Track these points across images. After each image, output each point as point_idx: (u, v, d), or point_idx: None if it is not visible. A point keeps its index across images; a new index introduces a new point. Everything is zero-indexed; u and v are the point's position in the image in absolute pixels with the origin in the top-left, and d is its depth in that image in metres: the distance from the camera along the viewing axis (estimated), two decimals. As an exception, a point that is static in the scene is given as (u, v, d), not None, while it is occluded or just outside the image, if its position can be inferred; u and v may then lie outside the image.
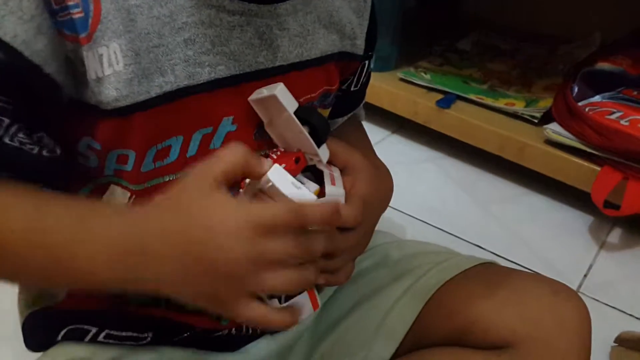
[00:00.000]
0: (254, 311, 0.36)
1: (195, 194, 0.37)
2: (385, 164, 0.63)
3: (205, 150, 0.45)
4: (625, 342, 0.77)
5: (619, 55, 1.04)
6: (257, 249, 0.35)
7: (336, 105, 0.60)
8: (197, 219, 0.36)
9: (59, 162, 0.40)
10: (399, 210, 1.01)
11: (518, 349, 0.53)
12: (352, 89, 0.60)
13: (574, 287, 0.89)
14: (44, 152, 0.39)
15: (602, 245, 0.99)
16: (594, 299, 0.88)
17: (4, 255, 0.37)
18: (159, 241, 0.36)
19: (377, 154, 0.66)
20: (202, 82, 0.42)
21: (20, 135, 0.38)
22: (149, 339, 0.49)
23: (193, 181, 0.38)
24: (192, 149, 0.44)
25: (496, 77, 1.22)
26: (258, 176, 0.39)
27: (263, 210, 0.36)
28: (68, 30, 0.38)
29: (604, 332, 0.79)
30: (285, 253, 0.35)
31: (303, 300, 0.45)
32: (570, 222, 1.03)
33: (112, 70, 0.39)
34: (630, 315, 0.86)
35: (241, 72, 0.44)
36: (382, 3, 1.20)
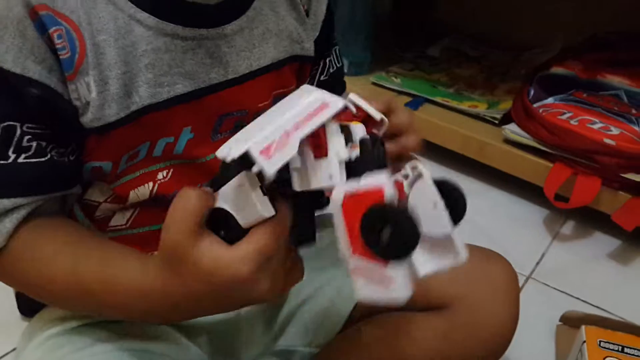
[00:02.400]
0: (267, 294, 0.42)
1: (189, 250, 0.40)
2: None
3: (169, 153, 0.51)
4: (568, 320, 0.85)
5: (571, 61, 1.12)
6: (263, 274, 0.40)
7: None
8: (209, 276, 0.40)
9: (78, 167, 0.49)
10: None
11: (454, 308, 0.61)
12: (321, 78, 0.65)
13: (527, 273, 0.97)
14: (71, 159, 0.48)
15: (555, 235, 1.07)
16: (544, 283, 0.95)
17: (59, 297, 0.48)
18: (185, 299, 0.42)
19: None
20: (162, 99, 0.48)
21: (54, 152, 0.47)
22: None
23: (178, 239, 0.40)
24: (157, 151, 0.51)
25: (462, 81, 1.30)
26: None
27: (254, 249, 0.39)
28: None
29: (552, 313, 0.87)
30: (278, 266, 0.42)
31: None
32: (527, 214, 1.11)
33: (90, 97, 0.46)
34: (577, 298, 0.93)
35: (196, 88, 0.50)
36: (356, 11, 1.28)
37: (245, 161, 0.35)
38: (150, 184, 0.52)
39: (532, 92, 1.10)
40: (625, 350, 0.71)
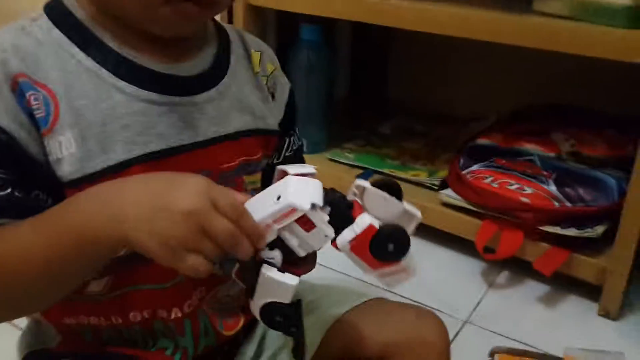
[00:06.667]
0: (195, 261, 0.46)
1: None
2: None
3: None
4: (493, 355, 0.98)
5: (495, 133, 1.30)
6: (205, 209, 0.45)
7: (265, 177, 0.68)
8: (162, 176, 0.49)
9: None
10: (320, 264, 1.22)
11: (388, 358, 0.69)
12: (286, 154, 0.71)
13: (464, 319, 1.10)
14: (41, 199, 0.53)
15: (491, 285, 1.21)
16: (479, 326, 1.08)
17: (25, 269, 0.49)
18: (122, 196, 0.47)
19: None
20: (136, 155, 0.54)
21: (17, 191, 0.51)
22: None
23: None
24: None
25: (408, 153, 1.47)
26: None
27: (220, 188, 0.47)
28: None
29: (485, 351, 1.00)
30: (223, 231, 0.46)
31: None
32: (466, 267, 1.25)
33: (68, 152, 0.52)
34: (507, 337, 1.06)
35: (167, 147, 0.56)
36: (315, 96, 1.45)
37: None
38: None
39: (462, 161, 1.27)
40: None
